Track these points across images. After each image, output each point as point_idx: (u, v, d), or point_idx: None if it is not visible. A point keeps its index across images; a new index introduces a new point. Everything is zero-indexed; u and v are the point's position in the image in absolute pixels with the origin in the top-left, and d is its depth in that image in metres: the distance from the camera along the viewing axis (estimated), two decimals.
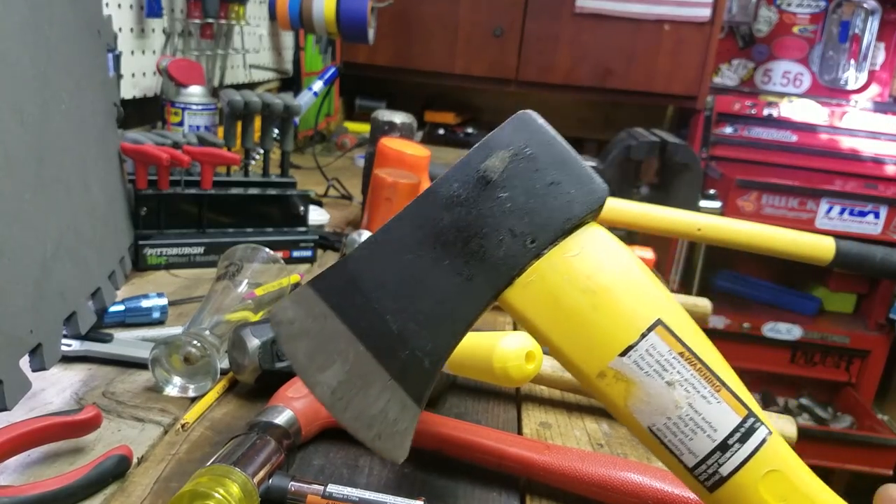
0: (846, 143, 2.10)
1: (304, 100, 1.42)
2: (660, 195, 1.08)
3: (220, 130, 1.17)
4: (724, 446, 0.31)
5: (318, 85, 1.45)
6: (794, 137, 2.11)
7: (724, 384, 0.31)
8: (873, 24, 2.16)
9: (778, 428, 0.55)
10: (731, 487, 0.31)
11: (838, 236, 0.91)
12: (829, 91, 2.24)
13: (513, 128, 0.35)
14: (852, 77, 2.21)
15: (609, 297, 0.32)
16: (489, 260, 0.33)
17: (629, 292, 0.33)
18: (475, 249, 0.33)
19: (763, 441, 0.31)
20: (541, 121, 0.35)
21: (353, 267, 0.35)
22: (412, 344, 0.34)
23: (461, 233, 0.34)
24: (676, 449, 0.31)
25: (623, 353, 0.32)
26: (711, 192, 1.28)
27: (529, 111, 0.35)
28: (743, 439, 0.31)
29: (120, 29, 1.11)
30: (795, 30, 2.24)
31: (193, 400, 0.53)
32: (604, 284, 0.32)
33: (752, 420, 0.31)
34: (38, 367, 0.47)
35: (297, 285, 0.74)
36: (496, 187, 0.34)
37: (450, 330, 0.34)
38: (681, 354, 0.32)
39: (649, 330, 0.32)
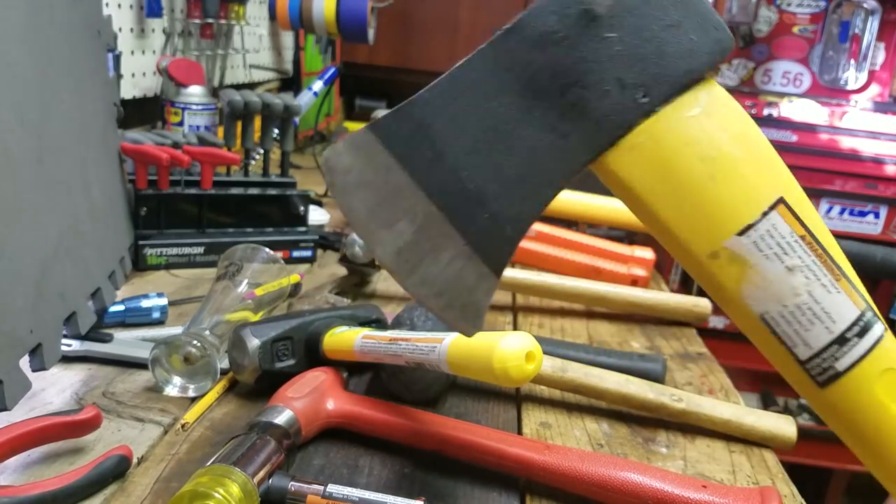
0: (846, 142, 2.10)
1: (304, 100, 1.42)
2: None
3: (220, 130, 1.17)
4: (842, 339, 0.28)
5: (318, 85, 1.45)
6: (794, 137, 2.11)
7: (843, 274, 0.29)
8: (873, 24, 2.16)
9: (777, 428, 0.55)
10: (846, 384, 0.29)
11: (838, 236, 0.91)
12: (829, 91, 2.24)
13: None
14: (852, 77, 2.21)
15: (731, 167, 0.28)
16: (591, 114, 0.28)
17: (752, 163, 0.28)
18: (574, 100, 0.28)
19: (881, 337, 0.29)
20: None
21: (423, 111, 0.30)
22: (492, 207, 0.29)
23: (557, 79, 0.28)
24: (790, 340, 0.29)
25: (741, 233, 0.28)
26: None
27: None
28: (861, 333, 0.28)
29: (120, 29, 1.11)
30: (795, 30, 2.24)
31: (193, 400, 0.53)
32: (726, 152, 0.28)
33: (870, 314, 0.29)
34: (38, 367, 0.47)
35: (297, 285, 0.74)
36: (603, 25, 0.27)
37: (537, 193, 0.29)
38: (802, 238, 0.28)
39: (771, 208, 0.28)
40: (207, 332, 0.55)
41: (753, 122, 0.29)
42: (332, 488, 0.41)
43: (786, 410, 2.20)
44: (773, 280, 0.28)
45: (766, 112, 2.11)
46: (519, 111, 0.28)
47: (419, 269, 0.30)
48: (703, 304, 0.79)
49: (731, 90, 2.24)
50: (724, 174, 0.28)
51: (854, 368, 0.28)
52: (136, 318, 0.64)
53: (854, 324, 0.28)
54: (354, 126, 1.85)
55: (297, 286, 0.73)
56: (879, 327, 0.29)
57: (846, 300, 0.28)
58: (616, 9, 0.27)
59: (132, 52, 1.16)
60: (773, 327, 0.29)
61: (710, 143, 0.28)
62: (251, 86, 1.59)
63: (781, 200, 0.28)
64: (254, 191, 0.86)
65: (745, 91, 2.24)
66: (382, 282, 0.83)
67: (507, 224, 0.29)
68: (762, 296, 0.28)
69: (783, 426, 0.56)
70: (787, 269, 0.28)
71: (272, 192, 0.87)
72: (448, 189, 0.29)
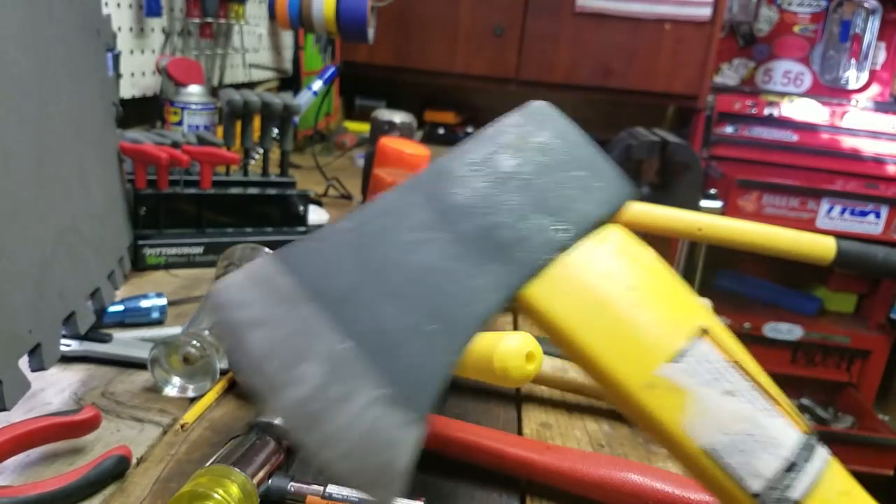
0: (847, 142, 2.09)
1: (304, 99, 1.42)
2: (660, 195, 1.07)
3: (220, 130, 1.17)
4: (791, 465, 0.27)
5: (317, 84, 1.45)
6: (794, 137, 2.11)
7: (777, 400, 0.28)
8: (874, 24, 2.15)
9: None
10: None
11: (839, 236, 0.91)
12: (829, 91, 2.24)
13: (533, 116, 0.31)
14: (853, 76, 2.21)
15: (654, 295, 0.28)
16: (512, 246, 0.28)
17: (672, 293, 0.29)
18: (495, 235, 0.28)
19: (828, 460, 0.27)
20: (561, 114, 0.32)
21: (340, 241, 0.28)
22: (416, 343, 0.27)
23: (478, 216, 0.29)
24: (739, 472, 0.26)
25: (675, 360, 0.27)
26: (712, 191, 1.28)
27: (546, 103, 0.32)
28: (808, 457, 0.27)
29: (119, 28, 1.11)
30: (796, 29, 2.24)
31: (193, 400, 0.53)
32: (647, 280, 0.29)
33: (813, 438, 0.28)
34: (37, 367, 0.47)
35: None
36: (518, 171, 0.30)
37: (462, 327, 0.28)
38: (734, 364, 0.28)
39: (699, 336, 0.28)
40: (207, 333, 0.55)
41: (661, 259, 0.30)
42: (332, 489, 0.41)
43: None
44: (713, 407, 0.27)
45: (766, 111, 2.11)
46: (442, 245, 0.28)
47: (324, 421, 0.25)
48: (703, 305, 0.79)
49: (731, 90, 2.24)
50: (649, 301, 0.28)
51: (810, 495, 0.26)
52: (135, 318, 0.64)
53: (802, 448, 0.27)
54: (354, 125, 1.85)
55: None
56: (824, 450, 0.28)
57: (789, 424, 0.28)
58: (528, 158, 0.30)
59: (131, 52, 1.16)
60: (720, 460, 0.27)
61: (632, 273, 0.29)
62: (250, 85, 1.59)
63: (705, 329, 0.29)
64: (253, 190, 0.86)
65: (746, 90, 2.24)
66: None
67: (430, 364, 0.27)
68: (704, 425, 0.27)
69: None
70: (725, 393, 0.27)
71: (271, 191, 0.87)
72: (367, 324, 0.27)
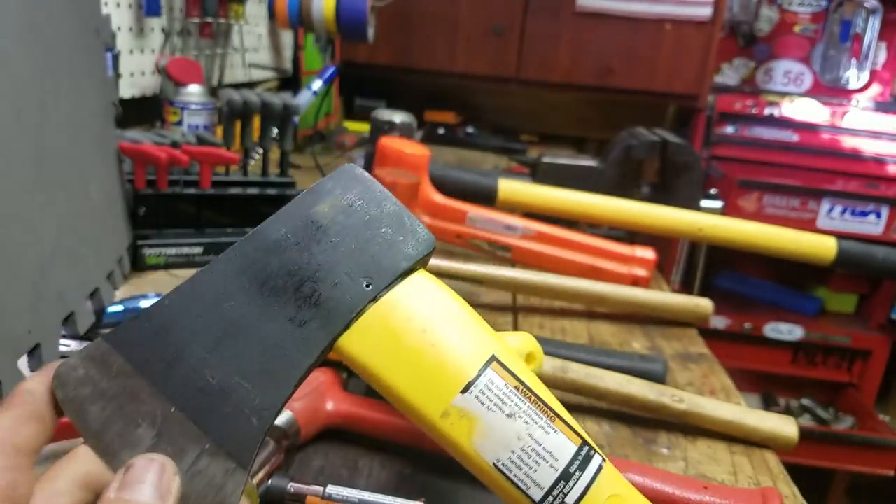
0: (848, 142, 2.09)
1: (304, 99, 1.42)
2: (661, 195, 1.07)
3: (219, 130, 1.17)
4: (566, 475, 0.31)
5: (317, 84, 1.45)
6: (795, 137, 2.11)
7: (557, 415, 0.33)
8: (874, 24, 2.15)
9: (779, 428, 0.55)
10: None
11: (840, 236, 0.91)
12: (830, 90, 2.23)
13: (341, 179, 0.35)
14: (854, 76, 2.21)
15: (447, 335, 0.33)
16: (324, 304, 0.32)
17: (464, 330, 0.34)
18: (308, 294, 0.33)
19: (600, 467, 0.32)
20: (368, 175, 0.35)
21: (162, 316, 0.32)
22: (236, 399, 0.31)
23: (292, 276, 0.33)
24: (523, 483, 0.32)
25: (464, 390, 0.32)
26: (713, 191, 1.27)
27: (354, 165, 0.36)
28: (582, 466, 0.32)
29: (118, 28, 1.11)
30: (797, 29, 2.24)
31: None
32: (441, 323, 0.33)
33: (587, 448, 0.32)
34: (37, 367, 0.47)
35: None
36: (328, 232, 0.33)
37: (281, 381, 0.32)
38: (516, 388, 0.33)
39: (486, 365, 0.33)
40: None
41: (458, 298, 0.35)
42: (332, 489, 0.41)
43: (787, 411, 2.20)
44: (498, 428, 0.32)
45: (767, 111, 2.11)
46: (258, 308, 0.32)
47: None
48: (704, 305, 0.79)
49: (731, 90, 2.24)
50: (442, 341, 0.33)
51: (583, 500, 0.31)
52: None
53: (574, 458, 0.32)
54: (354, 125, 1.85)
55: None
56: (598, 458, 0.33)
57: (563, 438, 0.32)
58: (338, 220, 0.34)
59: (131, 51, 1.16)
60: (507, 473, 0.32)
61: (428, 317, 0.33)
62: (250, 85, 1.59)
63: (493, 357, 0.33)
64: (253, 190, 0.86)
65: (747, 90, 2.24)
66: None
67: (252, 415, 0.31)
68: (492, 445, 0.32)
69: (784, 427, 0.55)
70: (507, 416, 0.32)
71: (271, 191, 0.87)
72: (190, 389, 0.31)
